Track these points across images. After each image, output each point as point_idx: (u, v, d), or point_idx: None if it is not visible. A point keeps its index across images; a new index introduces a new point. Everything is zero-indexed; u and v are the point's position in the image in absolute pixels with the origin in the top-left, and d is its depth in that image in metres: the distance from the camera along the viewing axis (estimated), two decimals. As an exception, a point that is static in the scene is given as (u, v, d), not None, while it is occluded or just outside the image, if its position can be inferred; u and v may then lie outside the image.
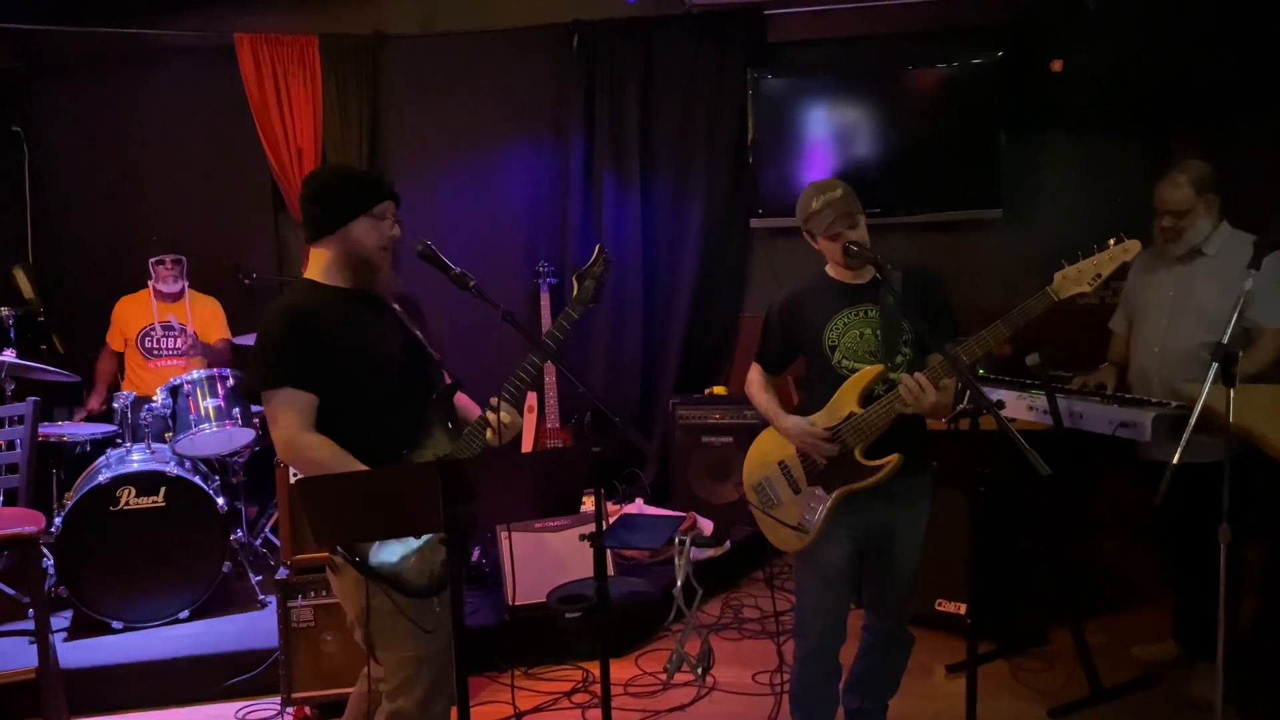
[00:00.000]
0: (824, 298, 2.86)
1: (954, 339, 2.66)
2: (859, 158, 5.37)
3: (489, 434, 2.50)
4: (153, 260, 5.00)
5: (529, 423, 5.33)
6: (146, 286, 5.07)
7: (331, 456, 2.37)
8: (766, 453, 3.00)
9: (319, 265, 2.52)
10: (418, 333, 2.59)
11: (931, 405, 2.63)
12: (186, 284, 5.09)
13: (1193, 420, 2.65)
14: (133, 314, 5.03)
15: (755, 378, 3.06)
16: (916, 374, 2.61)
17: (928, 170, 5.28)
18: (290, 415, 2.37)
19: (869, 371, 2.76)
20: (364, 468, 2.37)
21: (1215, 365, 2.59)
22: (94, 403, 5.02)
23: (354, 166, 2.61)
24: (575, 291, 2.69)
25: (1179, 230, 3.45)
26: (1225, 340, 2.61)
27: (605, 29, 5.47)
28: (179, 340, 5.04)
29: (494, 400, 2.51)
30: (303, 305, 2.45)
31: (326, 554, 2.47)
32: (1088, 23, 4.80)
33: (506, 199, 5.66)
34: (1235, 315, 2.69)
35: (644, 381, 5.71)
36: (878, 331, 2.78)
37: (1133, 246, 2.55)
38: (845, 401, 2.78)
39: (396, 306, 2.61)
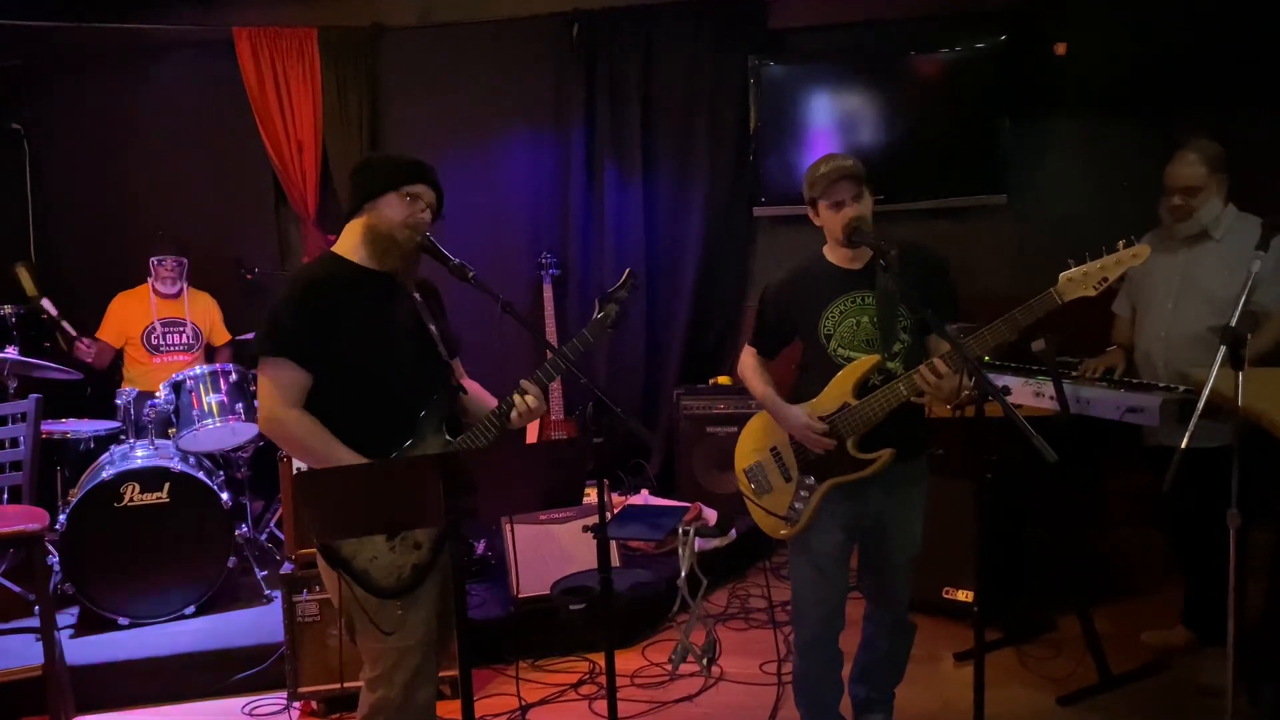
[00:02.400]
0: (821, 283, 2.82)
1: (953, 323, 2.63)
2: (861, 144, 5.33)
3: (514, 415, 2.49)
4: (154, 259, 4.99)
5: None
6: (145, 283, 5.06)
7: (312, 436, 2.37)
8: (759, 438, 2.97)
9: (348, 241, 2.52)
10: (433, 327, 2.56)
11: (950, 390, 2.60)
12: (185, 285, 5.08)
13: (1201, 404, 2.62)
14: (132, 311, 5.02)
15: (749, 361, 3.01)
16: (934, 360, 2.58)
17: (931, 156, 5.24)
18: (279, 388, 2.38)
19: (864, 362, 2.73)
20: (346, 451, 2.37)
21: (1223, 348, 2.57)
22: (83, 346, 4.84)
23: (407, 154, 2.62)
24: (596, 313, 2.62)
25: (1190, 209, 3.41)
26: (1233, 323, 2.59)
27: (605, 18, 5.44)
28: (182, 335, 5.04)
29: (524, 382, 2.50)
30: (319, 277, 2.46)
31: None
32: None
33: (508, 190, 5.64)
34: (1244, 298, 2.66)
35: (648, 372, 5.70)
36: (874, 319, 2.74)
37: (1142, 252, 2.52)
38: (839, 392, 2.75)
39: (418, 296, 2.58)
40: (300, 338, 2.38)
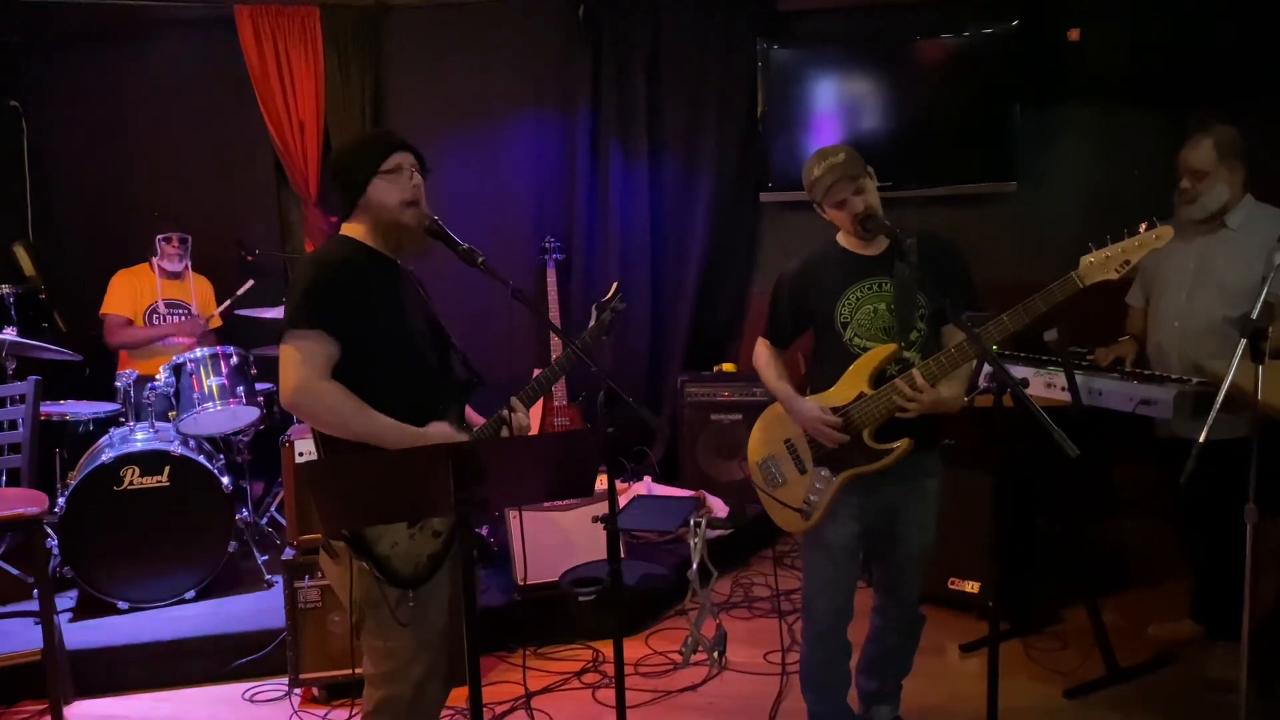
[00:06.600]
0: (836, 270, 2.77)
1: (972, 310, 2.59)
2: (870, 129, 5.29)
3: (504, 433, 2.44)
4: (159, 237, 4.93)
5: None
6: (145, 261, 5.00)
7: (345, 403, 2.27)
8: (773, 430, 2.94)
9: (356, 230, 2.45)
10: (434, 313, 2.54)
11: (934, 402, 2.57)
12: (189, 264, 5.03)
13: (1219, 398, 2.58)
14: (135, 289, 4.95)
15: (763, 352, 2.95)
16: (913, 370, 2.54)
17: (940, 142, 5.19)
18: (309, 360, 2.27)
19: (881, 351, 2.69)
20: (385, 419, 2.28)
21: (1244, 341, 2.53)
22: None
23: (361, 131, 2.54)
24: (593, 321, 2.69)
25: (1195, 194, 3.36)
26: (1254, 315, 2.54)
27: (612, -1, 5.38)
28: (183, 317, 4.99)
29: (513, 400, 2.47)
30: (345, 255, 2.39)
31: (321, 538, 2.43)
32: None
33: (512, 173, 5.59)
34: (1265, 290, 2.62)
35: (652, 359, 5.66)
36: (891, 307, 2.70)
37: (1165, 233, 2.46)
38: (855, 381, 2.71)
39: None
40: (334, 309, 2.29)
